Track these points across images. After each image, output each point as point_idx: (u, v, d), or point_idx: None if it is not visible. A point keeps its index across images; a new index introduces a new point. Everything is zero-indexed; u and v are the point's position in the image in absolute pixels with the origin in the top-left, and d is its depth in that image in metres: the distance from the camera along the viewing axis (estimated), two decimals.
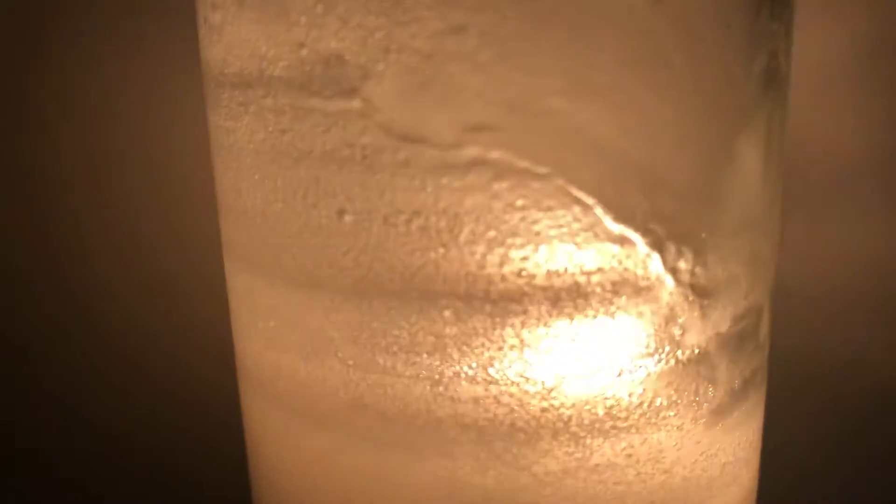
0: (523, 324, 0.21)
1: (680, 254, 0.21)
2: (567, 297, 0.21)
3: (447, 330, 0.21)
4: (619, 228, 0.20)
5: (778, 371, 0.30)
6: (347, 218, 0.21)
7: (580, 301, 0.21)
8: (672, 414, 0.23)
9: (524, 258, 0.20)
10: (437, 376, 0.22)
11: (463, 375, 0.21)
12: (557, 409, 0.22)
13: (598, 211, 0.20)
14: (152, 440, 0.46)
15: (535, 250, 0.20)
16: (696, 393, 0.23)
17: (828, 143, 0.40)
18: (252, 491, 0.29)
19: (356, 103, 0.20)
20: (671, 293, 0.22)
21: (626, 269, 0.21)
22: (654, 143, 0.20)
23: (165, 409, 0.45)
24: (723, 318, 0.23)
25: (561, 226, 0.20)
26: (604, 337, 0.21)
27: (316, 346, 0.23)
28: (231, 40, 0.22)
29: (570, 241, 0.20)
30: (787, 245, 0.36)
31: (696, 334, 0.22)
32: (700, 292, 0.22)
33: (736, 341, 0.23)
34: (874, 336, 0.43)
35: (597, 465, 0.22)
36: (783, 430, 0.35)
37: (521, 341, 0.21)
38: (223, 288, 0.27)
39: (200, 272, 0.42)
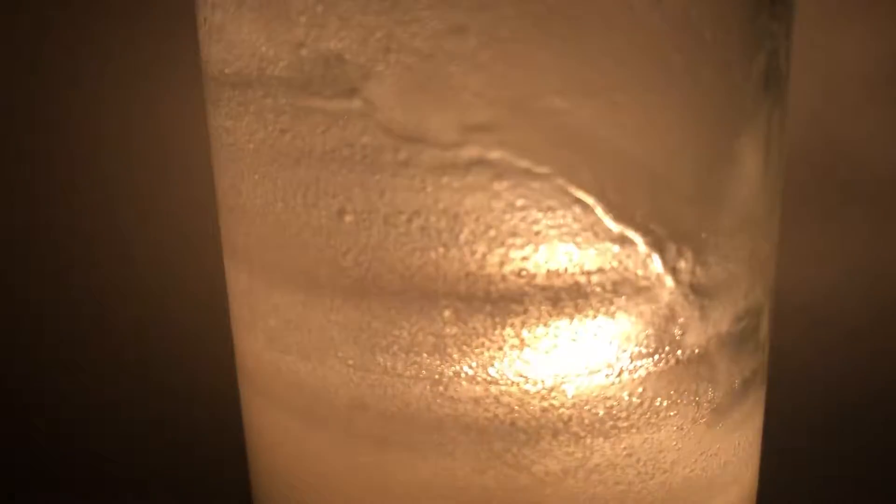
0: (523, 324, 0.21)
1: (680, 254, 0.21)
2: (567, 297, 0.21)
3: (447, 330, 0.21)
4: (619, 228, 0.20)
5: (778, 371, 0.30)
6: (347, 218, 0.21)
7: (580, 301, 0.21)
8: (672, 414, 0.23)
9: (524, 258, 0.20)
10: (437, 376, 0.22)
11: (463, 375, 0.21)
12: (557, 409, 0.22)
13: (598, 211, 0.20)
14: (152, 440, 0.46)
15: (535, 250, 0.20)
16: (696, 393, 0.23)
17: (833, 147, 0.40)
18: (252, 491, 0.29)
19: (356, 103, 0.20)
20: (671, 293, 0.22)
21: (626, 269, 0.21)
22: (654, 143, 0.20)
23: (165, 408, 0.45)
24: (723, 318, 0.23)
25: (561, 226, 0.20)
26: (604, 337, 0.21)
27: (316, 346, 0.23)
28: (231, 40, 0.22)
29: (570, 241, 0.20)
30: (790, 249, 0.36)
31: (696, 334, 0.22)
32: (700, 292, 0.22)
33: (736, 341, 0.23)
34: (876, 337, 0.43)
35: (597, 465, 0.22)
36: (783, 430, 0.35)
37: (521, 341, 0.21)
38: (223, 288, 0.27)
39: (200, 272, 0.42)
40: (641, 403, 0.22)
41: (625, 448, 0.22)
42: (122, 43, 0.40)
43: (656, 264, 0.21)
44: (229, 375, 0.29)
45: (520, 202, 0.20)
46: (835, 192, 0.41)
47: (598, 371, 0.22)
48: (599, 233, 0.20)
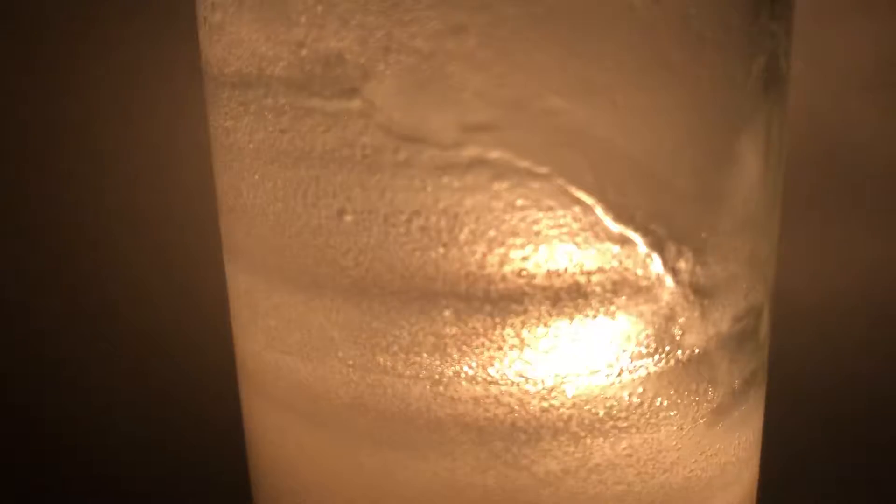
0: (523, 324, 0.21)
1: (680, 254, 0.21)
2: (567, 297, 0.21)
3: (447, 330, 0.21)
4: (619, 228, 0.20)
5: (778, 371, 0.30)
6: (347, 218, 0.21)
7: (580, 301, 0.21)
8: (672, 414, 0.23)
9: (524, 258, 0.20)
10: (437, 376, 0.22)
11: (463, 375, 0.21)
12: (557, 409, 0.22)
13: (598, 211, 0.20)
14: (152, 440, 0.46)
15: (535, 250, 0.20)
16: (696, 393, 0.23)
17: (833, 145, 0.40)
18: (252, 491, 0.29)
19: (356, 103, 0.20)
20: (671, 293, 0.22)
21: (626, 269, 0.21)
22: (654, 143, 0.20)
23: (166, 408, 0.45)
24: (723, 318, 0.23)
25: (561, 226, 0.20)
26: (604, 337, 0.21)
27: (316, 346, 0.23)
28: (231, 40, 0.22)
29: (570, 241, 0.20)
30: (790, 248, 0.36)
31: (696, 334, 0.22)
32: (700, 292, 0.22)
33: (736, 341, 0.23)
34: (875, 337, 0.43)
35: (597, 465, 0.22)
36: (783, 430, 0.35)
37: (521, 341, 0.21)
38: (223, 288, 0.27)
39: (200, 272, 0.42)
40: (641, 403, 0.22)
41: (625, 448, 0.22)
42: (121, 43, 0.40)
43: (656, 264, 0.21)
44: (229, 375, 0.29)
45: (520, 202, 0.20)
46: (833, 190, 0.41)
47: (598, 371, 0.22)
48: (599, 233, 0.20)
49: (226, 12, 0.22)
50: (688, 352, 0.22)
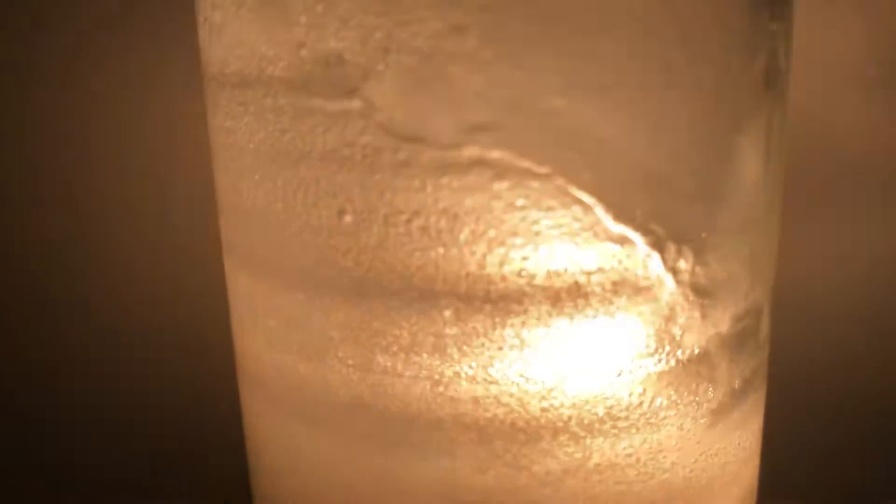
0: (523, 324, 0.21)
1: (680, 254, 0.21)
2: (567, 297, 0.21)
3: (447, 330, 0.21)
4: (619, 228, 0.20)
5: (778, 371, 0.30)
6: (347, 218, 0.21)
7: (580, 301, 0.21)
8: (672, 414, 0.23)
9: (524, 258, 0.20)
10: (437, 376, 0.22)
11: (463, 375, 0.21)
12: (557, 409, 0.22)
13: (598, 211, 0.20)
14: (153, 440, 0.46)
15: (535, 250, 0.20)
16: (696, 393, 0.23)
17: (827, 138, 0.40)
18: (252, 491, 0.29)
19: (356, 103, 0.20)
20: (671, 293, 0.22)
21: (626, 269, 0.21)
22: (654, 143, 0.20)
23: (166, 408, 0.45)
24: (723, 318, 0.23)
25: (561, 226, 0.20)
26: (604, 337, 0.21)
27: (316, 346, 0.23)
28: (231, 40, 0.22)
29: (570, 241, 0.20)
30: (787, 243, 0.36)
31: (696, 334, 0.22)
32: (700, 292, 0.22)
33: (736, 341, 0.23)
34: (874, 335, 0.43)
35: (597, 465, 0.22)
36: (783, 430, 0.35)
37: (521, 341, 0.21)
38: (223, 288, 0.27)
39: (200, 272, 0.42)
40: (641, 403, 0.22)
41: (625, 448, 0.22)
42: (122, 43, 0.40)
43: (656, 264, 0.21)
44: (229, 376, 0.29)
45: (520, 202, 0.20)
46: (802, 179, 0.41)
47: (598, 371, 0.22)
48: (599, 233, 0.20)
49: (226, 12, 0.22)
50: (688, 352, 0.22)
